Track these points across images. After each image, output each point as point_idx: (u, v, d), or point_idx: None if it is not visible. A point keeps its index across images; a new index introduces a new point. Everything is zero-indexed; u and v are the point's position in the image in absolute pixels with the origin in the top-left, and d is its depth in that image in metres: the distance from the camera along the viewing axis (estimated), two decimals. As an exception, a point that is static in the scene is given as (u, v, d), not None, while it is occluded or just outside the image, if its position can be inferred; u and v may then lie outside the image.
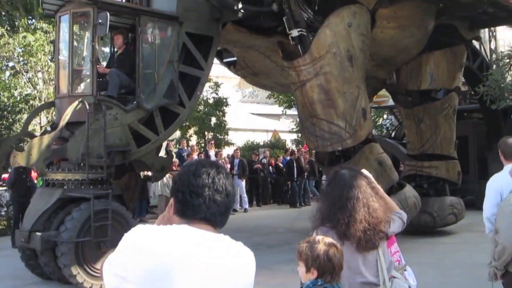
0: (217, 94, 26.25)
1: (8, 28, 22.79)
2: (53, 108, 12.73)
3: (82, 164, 9.54)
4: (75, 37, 10.61)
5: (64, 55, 10.59)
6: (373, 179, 3.79)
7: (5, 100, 19.52)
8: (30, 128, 14.50)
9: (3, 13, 23.84)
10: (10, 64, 21.92)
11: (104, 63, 11.25)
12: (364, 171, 3.82)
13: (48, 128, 11.01)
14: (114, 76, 10.38)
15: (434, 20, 13.14)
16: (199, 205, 2.16)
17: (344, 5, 11.50)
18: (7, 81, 20.82)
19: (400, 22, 12.47)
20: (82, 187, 9.50)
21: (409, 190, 12.34)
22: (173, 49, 10.71)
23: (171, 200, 2.25)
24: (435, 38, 13.60)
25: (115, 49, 11.25)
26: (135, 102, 10.22)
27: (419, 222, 12.88)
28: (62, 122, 9.53)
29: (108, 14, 9.56)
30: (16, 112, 19.14)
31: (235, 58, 14.28)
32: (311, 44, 11.11)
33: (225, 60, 14.67)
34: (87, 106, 9.49)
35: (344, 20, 11.35)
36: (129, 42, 10.97)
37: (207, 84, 25.88)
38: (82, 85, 10.62)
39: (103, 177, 9.67)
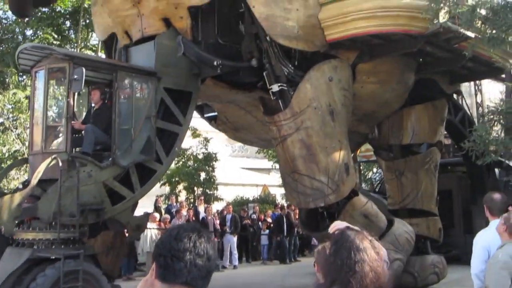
0: (206, 149, 25.90)
1: (-2, 85, 22.71)
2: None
3: (53, 223, 9.05)
4: (50, 92, 10.26)
5: (38, 110, 10.22)
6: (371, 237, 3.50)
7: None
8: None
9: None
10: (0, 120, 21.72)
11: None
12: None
13: (20, 186, 10.55)
14: (90, 132, 10.03)
15: (415, 74, 12.99)
16: (180, 269, 2.18)
17: (325, 60, 11.29)
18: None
19: (380, 77, 12.31)
20: (53, 246, 8.99)
21: (398, 227, 11.96)
22: (151, 104, 10.37)
23: (153, 265, 2.25)
24: (416, 92, 13.43)
25: (92, 105, 10.90)
26: (110, 159, 9.81)
27: (400, 282, 12.33)
28: (34, 180, 9.10)
29: (84, 69, 9.26)
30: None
31: (216, 113, 13.99)
32: (291, 98, 10.82)
33: (206, 115, 14.38)
34: (60, 163, 9.08)
35: (325, 74, 11.17)
36: (106, 97, 10.65)
37: (197, 139, 25.68)
38: (56, 142, 10.22)
39: (75, 237, 9.19)
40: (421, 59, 12.94)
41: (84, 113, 11.40)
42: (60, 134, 10.18)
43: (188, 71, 10.86)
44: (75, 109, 10.82)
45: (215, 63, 10.46)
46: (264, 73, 10.85)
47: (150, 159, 10.32)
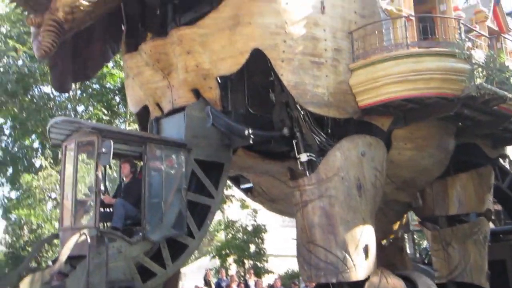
0: (255, 220, 25.37)
1: (51, 161, 23.07)
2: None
3: (81, 301, 8.66)
4: (80, 166, 10.10)
5: (68, 185, 10.03)
6: None
7: (46, 232, 19.26)
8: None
9: (47, 145, 24.18)
10: (52, 195, 21.92)
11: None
12: None
13: (50, 263, 10.28)
14: (119, 207, 9.74)
15: (454, 139, 12.34)
16: None
17: (359, 133, 10.90)
18: (48, 213, 20.71)
19: (417, 143, 11.73)
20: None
21: None
22: (182, 177, 10.07)
23: None
24: (458, 159, 12.75)
25: (123, 178, 10.67)
26: (140, 234, 9.45)
27: None
28: (62, 257, 8.80)
29: (112, 142, 9.07)
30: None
31: (251, 185, 13.57)
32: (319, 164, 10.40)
33: (242, 187, 13.98)
34: (89, 239, 8.78)
35: (357, 147, 10.73)
36: (137, 170, 10.41)
37: (246, 211, 25.28)
38: (86, 217, 9.95)
39: (104, 315, 8.75)
40: (459, 123, 12.29)
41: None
42: (89, 209, 9.93)
43: (219, 141, 10.58)
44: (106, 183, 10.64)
45: (245, 133, 10.16)
46: (294, 142, 10.44)
47: (182, 233, 9.92)
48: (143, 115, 12.07)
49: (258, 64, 10.36)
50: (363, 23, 11.29)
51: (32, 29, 9.90)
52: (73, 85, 25.47)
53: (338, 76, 10.81)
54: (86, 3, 9.39)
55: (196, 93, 10.68)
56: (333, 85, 10.70)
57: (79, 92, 25.28)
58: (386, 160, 11.18)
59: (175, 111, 10.90)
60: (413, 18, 11.24)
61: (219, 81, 10.53)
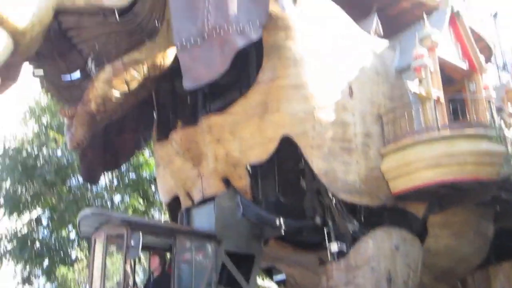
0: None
1: (87, 253, 22.93)
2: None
3: None
4: (109, 259, 9.87)
5: (97, 278, 9.76)
6: None
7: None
8: None
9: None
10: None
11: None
12: None
13: None
14: (148, 302, 9.41)
15: (493, 224, 11.77)
16: None
17: (393, 220, 10.54)
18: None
19: (454, 229, 11.24)
20: None
21: None
22: (212, 269, 9.71)
23: None
24: (499, 245, 12.11)
25: (152, 272, 10.37)
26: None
27: None
28: None
29: (141, 235, 8.85)
30: None
31: (284, 276, 13.07)
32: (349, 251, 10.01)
33: (275, 279, 13.48)
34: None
35: (391, 239, 10.39)
36: (166, 263, 10.11)
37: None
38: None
39: None
40: (498, 207, 11.70)
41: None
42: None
43: (250, 232, 10.22)
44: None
45: (277, 223, 9.81)
46: (325, 230, 10.08)
47: (212, 328, 9.47)
48: (174, 205, 11.88)
49: (289, 151, 10.17)
50: (392, 106, 11.16)
51: (66, 121, 9.99)
52: (109, 175, 25.87)
53: (369, 161, 10.53)
54: (117, 95, 9.48)
55: (227, 182, 10.47)
56: (364, 171, 10.41)
57: (115, 181, 25.42)
58: (422, 254, 10.68)
59: (205, 201, 10.70)
60: (443, 100, 11.02)
61: (249, 170, 10.36)
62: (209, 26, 8.78)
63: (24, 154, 23.64)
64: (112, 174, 25.21)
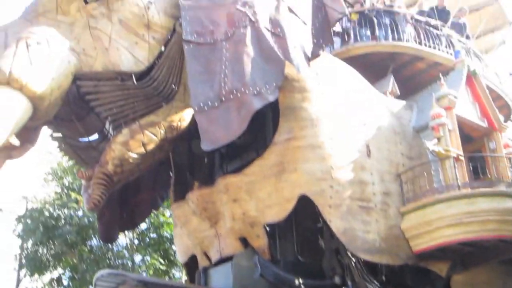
0: None
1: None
2: None
3: None
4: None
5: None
6: None
7: None
8: None
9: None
10: None
11: None
12: None
13: None
14: None
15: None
16: None
17: (415, 280, 10.40)
18: None
19: (479, 289, 10.83)
20: None
21: None
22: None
23: None
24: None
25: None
26: None
27: None
28: None
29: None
30: None
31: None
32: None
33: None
34: None
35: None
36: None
37: None
38: None
39: None
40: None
41: None
42: None
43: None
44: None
45: (296, 283, 9.60)
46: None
47: None
48: (192, 265, 11.72)
49: (307, 210, 10.04)
50: (411, 165, 11.04)
51: (84, 182, 10.01)
52: (130, 234, 25.80)
53: (389, 220, 10.36)
54: (135, 155, 9.49)
55: (244, 241, 10.32)
56: (384, 230, 10.23)
57: (136, 241, 25.33)
58: None
59: (223, 260, 10.53)
60: (463, 158, 10.89)
61: (267, 229, 10.22)
62: (226, 89, 8.82)
63: (46, 214, 23.79)
64: (132, 233, 25.23)
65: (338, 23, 13.86)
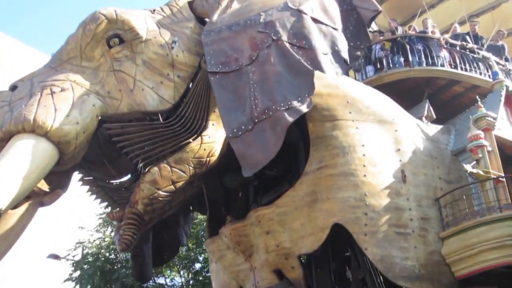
0: None
1: None
2: None
3: None
4: None
5: None
6: None
7: None
8: None
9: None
10: None
11: None
12: None
13: None
14: None
15: None
16: None
17: None
18: None
19: None
20: None
21: None
22: None
23: None
24: None
25: None
26: None
27: None
28: None
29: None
30: None
31: None
32: None
33: None
34: None
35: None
36: None
37: None
38: None
39: None
40: None
41: None
42: None
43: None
44: None
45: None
46: None
47: None
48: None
49: (336, 241, 9.64)
50: (449, 189, 10.44)
51: (116, 223, 9.89)
52: (185, 274, 25.64)
53: (428, 246, 9.73)
54: (164, 193, 9.32)
55: (279, 274, 9.93)
56: (423, 256, 9.60)
57: (191, 281, 25.15)
58: None
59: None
60: (504, 179, 10.22)
61: (302, 260, 9.81)
62: (258, 110, 8.55)
63: (102, 259, 23.97)
64: (188, 273, 25.11)
65: (371, 52, 13.67)
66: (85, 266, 23.42)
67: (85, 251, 25.02)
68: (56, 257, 24.94)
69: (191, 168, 9.42)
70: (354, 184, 9.64)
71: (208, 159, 9.60)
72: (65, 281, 24.91)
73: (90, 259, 24.22)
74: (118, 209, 9.78)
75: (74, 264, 24.44)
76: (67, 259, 25.06)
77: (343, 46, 9.50)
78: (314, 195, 9.68)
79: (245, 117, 8.56)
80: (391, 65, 13.29)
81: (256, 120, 8.49)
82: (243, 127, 8.44)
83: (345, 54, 9.42)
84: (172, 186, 9.33)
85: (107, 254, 23.72)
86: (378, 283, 9.37)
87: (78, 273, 24.03)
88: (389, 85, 12.80)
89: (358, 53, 9.84)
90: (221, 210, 11.33)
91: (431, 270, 9.56)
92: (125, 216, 9.33)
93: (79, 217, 27.95)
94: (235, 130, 8.42)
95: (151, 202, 9.28)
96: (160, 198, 9.31)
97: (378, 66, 13.42)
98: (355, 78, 13.55)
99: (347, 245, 9.80)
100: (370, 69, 13.19)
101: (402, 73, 13.13)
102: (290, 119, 8.47)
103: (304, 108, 8.66)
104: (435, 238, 9.85)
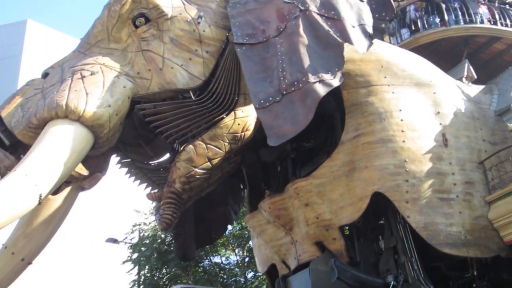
0: None
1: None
2: None
3: None
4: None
5: None
6: None
7: None
8: None
9: None
10: None
11: None
12: None
13: None
14: None
15: None
16: None
17: None
18: None
19: None
20: None
21: None
22: None
23: None
24: None
25: None
26: None
27: None
28: None
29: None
30: None
31: None
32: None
33: None
34: None
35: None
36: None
37: None
38: None
39: None
40: None
41: None
42: None
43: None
44: None
45: (377, 283, 8.80)
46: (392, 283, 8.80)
47: None
48: (272, 274, 11.13)
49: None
50: (494, 150, 9.83)
51: (155, 204, 9.77)
52: (240, 252, 25.67)
53: (474, 211, 9.19)
54: (201, 171, 9.13)
55: (321, 246, 9.61)
56: (469, 221, 9.07)
57: (247, 259, 25.18)
58: None
59: (301, 267, 9.85)
60: (550, 139, 9.58)
61: (344, 231, 9.47)
62: (286, 82, 8.22)
63: (158, 241, 24.22)
64: (243, 251, 25.13)
65: (405, 14, 13.04)
66: (142, 248, 23.73)
67: (141, 234, 25.35)
68: (114, 240, 25.36)
69: (226, 144, 9.18)
70: (393, 151, 9.17)
71: (242, 134, 9.33)
72: (124, 262, 25.37)
73: (147, 241, 24.49)
74: (156, 189, 9.67)
75: (132, 247, 24.81)
76: (125, 243, 25.45)
77: (368, 19, 9.08)
78: (352, 164, 9.28)
79: (272, 88, 8.22)
80: (426, 26, 12.62)
81: (285, 92, 8.15)
82: (270, 98, 8.11)
83: (369, 28, 8.99)
84: (208, 163, 9.13)
85: (163, 236, 23.92)
86: (410, 251, 8.93)
87: (136, 255, 24.40)
88: (426, 46, 12.18)
89: (383, 25, 9.34)
90: (261, 185, 11.05)
91: (478, 236, 9.04)
92: (164, 195, 9.19)
93: (135, 200, 28.37)
94: (262, 101, 8.10)
95: (188, 180, 9.10)
96: (197, 176, 9.13)
97: (413, 28, 12.75)
98: (390, 42, 12.95)
99: (380, 214, 9.35)
100: (404, 31, 12.57)
101: (438, 33, 12.46)
102: (321, 93, 8.11)
103: (335, 82, 8.31)
104: (481, 203, 9.30)
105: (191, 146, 9.07)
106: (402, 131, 9.30)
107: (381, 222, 9.48)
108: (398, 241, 9.05)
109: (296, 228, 9.89)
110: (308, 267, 9.52)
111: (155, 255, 23.80)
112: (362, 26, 8.95)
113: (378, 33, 9.22)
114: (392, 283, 8.74)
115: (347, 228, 9.86)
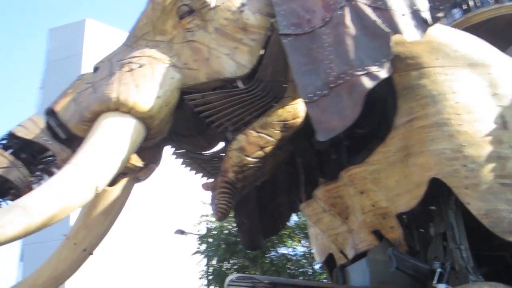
0: None
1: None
2: None
3: None
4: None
5: None
6: None
7: None
8: None
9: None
10: None
11: None
12: None
13: None
14: None
15: None
16: None
17: None
18: None
19: None
20: None
21: None
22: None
23: None
24: None
25: None
26: None
27: None
28: None
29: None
30: None
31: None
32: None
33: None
34: None
35: None
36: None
37: None
38: None
39: None
40: None
41: None
42: None
43: (410, 286, 8.77)
44: None
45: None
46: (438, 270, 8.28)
47: None
48: (330, 264, 10.83)
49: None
50: (560, 132, 9.09)
51: (211, 194, 9.73)
52: (307, 243, 25.41)
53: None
54: (254, 160, 9.00)
55: (379, 234, 9.25)
56: (537, 212, 8.41)
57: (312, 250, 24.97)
58: None
59: (359, 256, 9.51)
60: None
61: (402, 219, 9.06)
62: (333, 74, 7.96)
63: (225, 232, 24.38)
64: (309, 242, 24.90)
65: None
66: (210, 240, 23.97)
67: (208, 225, 25.60)
68: (182, 232, 25.80)
69: (277, 131, 9.01)
70: (449, 135, 8.62)
71: (293, 121, 9.13)
72: (193, 254, 25.73)
73: (215, 232, 24.71)
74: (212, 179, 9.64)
75: (199, 238, 25.12)
76: (193, 234, 25.80)
77: (423, 5, 8.61)
78: (407, 149, 8.83)
79: (320, 81, 7.97)
80: (478, 4, 11.84)
81: (332, 85, 7.90)
82: (318, 92, 7.87)
83: (425, 14, 8.52)
84: (261, 152, 9.00)
85: (230, 227, 24.08)
86: (460, 238, 8.45)
87: (204, 246, 24.68)
88: (478, 26, 11.54)
89: (439, 14, 8.82)
90: (315, 173, 10.77)
91: None
92: (218, 185, 9.13)
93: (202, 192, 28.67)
94: (310, 94, 7.88)
95: (241, 169, 9.01)
96: (250, 165, 9.01)
97: (465, 7, 12.01)
98: (441, 23, 12.27)
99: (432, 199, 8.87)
100: (456, 11, 11.93)
101: (491, 11, 11.77)
102: (368, 86, 7.80)
103: (383, 74, 7.97)
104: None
105: (242, 135, 8.98)
106: (458, 113, 8.74)
107: (432, 207, 8.94)
108: (447, 227, 8.56)
109: (352, 217, 9.57)
110: (365, 257, 9.19)
111: (223, 246, 23.97)
112: (415, 13, 8.51)
113: (434, 22, 8.71)
114: (438, 270, 8.26)
115: (404, 216, 9.41)
